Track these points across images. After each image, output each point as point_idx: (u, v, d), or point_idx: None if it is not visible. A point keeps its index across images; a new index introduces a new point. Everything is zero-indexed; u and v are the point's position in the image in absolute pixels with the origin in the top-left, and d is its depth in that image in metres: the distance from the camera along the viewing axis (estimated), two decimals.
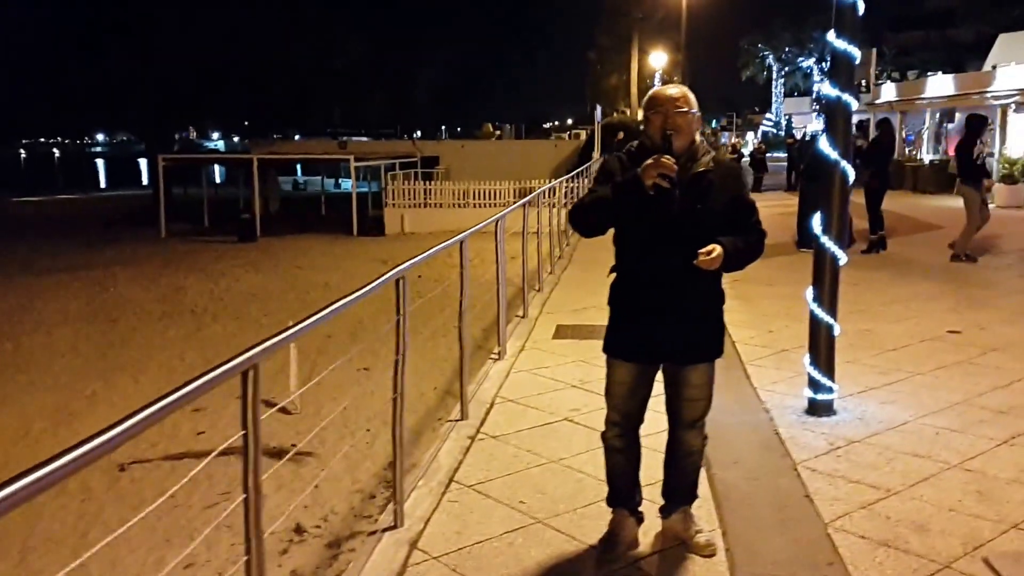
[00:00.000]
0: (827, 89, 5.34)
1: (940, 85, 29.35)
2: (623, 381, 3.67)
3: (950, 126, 29.40)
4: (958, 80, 28.31)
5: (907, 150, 31.03)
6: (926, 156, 29.74)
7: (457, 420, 5.52)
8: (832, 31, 5.27)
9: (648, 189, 3.30)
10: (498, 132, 39.05)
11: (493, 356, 7.12)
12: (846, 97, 5.30)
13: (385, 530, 3.99)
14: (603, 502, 3.89)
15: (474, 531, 3.97)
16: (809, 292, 5.60)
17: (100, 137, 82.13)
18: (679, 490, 3.85)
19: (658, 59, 39.75)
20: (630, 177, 3.36)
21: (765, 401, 5.90)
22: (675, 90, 3.53)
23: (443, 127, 56.55)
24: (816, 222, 5.47)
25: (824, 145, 5.39)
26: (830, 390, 5.59)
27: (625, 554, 3.72)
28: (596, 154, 31.23)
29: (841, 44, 5.24)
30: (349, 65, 35.02)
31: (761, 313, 8.80)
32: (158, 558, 4.98)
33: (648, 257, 3.51)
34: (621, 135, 29.43)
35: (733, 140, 34.65)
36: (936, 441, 5.09)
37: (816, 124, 37.47)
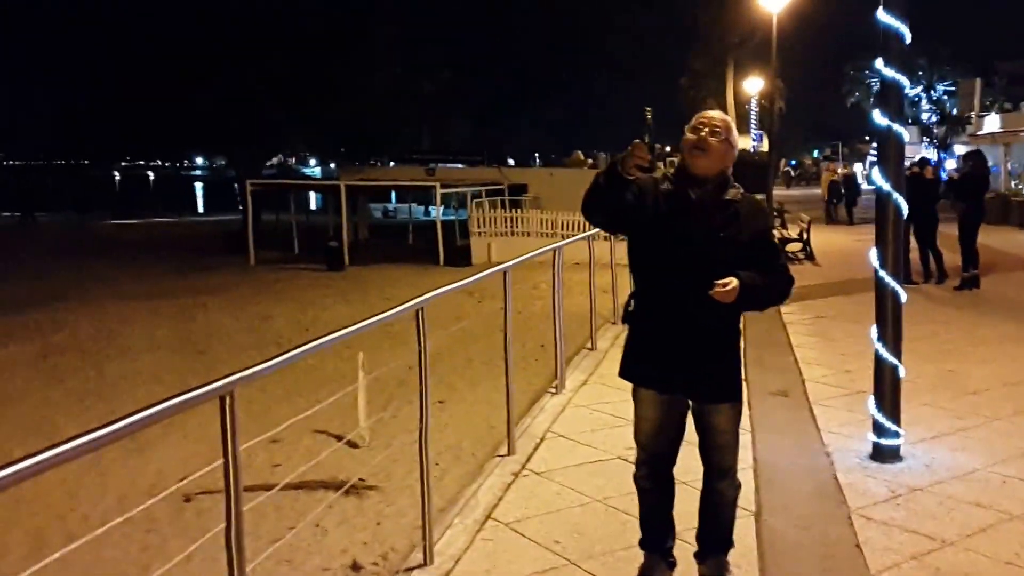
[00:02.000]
0: (877, 118, 5.16)
1: None
2: (648, 417, 3.60)
3: None
4: None
5: (1013, 183, 29.73)
6: None
7: (504, 456, 5.48)
8: (879, 59, 5.10)
9: (624, 175, 3.21)
10: (589, 160, 38.96)
11: (551, 390, 7.05)
12: (896, 127, 5.12)
13: (414, 568, 3.97)
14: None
15: (503, 570, 3.93)
16: (873, 331, 5.40)
17: (199, 160, 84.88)
18: (712, 538, 3.74)
19: (754, 84, 39.03)
20: (608, 164, 3.31)
21: (828, 444, 5.69)
22: (716, 114, 3.50)
23: (535, 154, 56.83)
24: (872, 257, 5.28)
25: (876, 176, 5.21)
26: (896, 435, 5.36)
27: None
28: None
29: (889, 72, 5.07)
30: (438, 89, 35.29)
31: (840, 352, 8.51)
32: None
33: (664, 281, 3.44)
34: None
35: (838, 169, 33.44)
36: (1002, 490, 4.82)
37: (927, 153, 36.24)
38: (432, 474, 6.67)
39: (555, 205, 25.97)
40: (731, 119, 3.54)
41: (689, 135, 3.42)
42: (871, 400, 5.44)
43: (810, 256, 15.97)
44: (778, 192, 44.74)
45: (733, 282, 3.27)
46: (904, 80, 5.13)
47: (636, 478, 3.72)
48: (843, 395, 6.85)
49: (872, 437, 5.41)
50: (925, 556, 4.03)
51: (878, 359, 5.37)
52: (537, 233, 23.66)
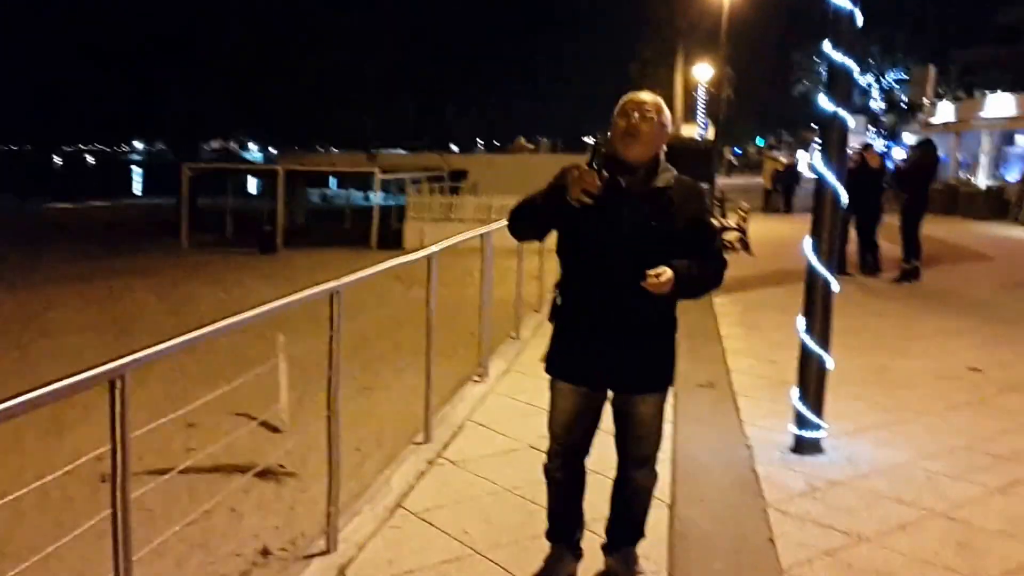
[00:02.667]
0: (822, 103, 5.06)
1: (1000, 105, 28.21)
2: (565, 409, 3.44)
3: (1010, 149, 28.26)
4: (1021, 100, 27.12)
5: (960, 174, 30.07)
6: (982, 181, 28.78)
7: (420, 443, 5.29)
8: (828, 42, 5.00)
9: (572, 202, 3.07)
10: (531, 146, 38.84)
11: (475, 378, 6.86)
12: (842, 113, 5.03)
13: (316, 555, 3.79)
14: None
15: (407, 560, 3.75)
16: (800, 322, 5.31)
17: (138, 145, 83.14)
18: (624, 529, 3.61)
19: (703, 72, 39.01)
20: (555, 187, 3.15)
21: (749, 436, 5.61)
22: (647, 96, 3.30)
23: (477, 140, 56.38)
24: (807, 246, 5.20)
25: (818, 163, 5.12)
26: (818, 427, 5.29)
27: None
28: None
29: (838, 56, 4.97)
30: (381, 75, 34.87)
31: (768, 342, 8.47)
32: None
33: (595, 273, 3.27)
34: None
35: (781, 158, 33.66)
36: (925, 486, 4.77)
37: (877, 144, 36.43)
38: (352, 461, 6.53)
39: (494, 191, 25.82)
40: (661, 99, 3.36)
41: (619, 121, 3.23)
42: (794, 391, 5.36)
43: (746, 246, 16.02)
44: (719, 180, 45.09)
45: (667, 273, 3.10)
46: (853, 65, 5.02)
47: (547, 469, 3.55)
48: (767, 387, 6.79)
49: (794, 429, 5.33)
50: (839, 552, 3.95)
51: (804, 350, 5.29)
52: (472, 219, 23.51)
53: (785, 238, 17.52)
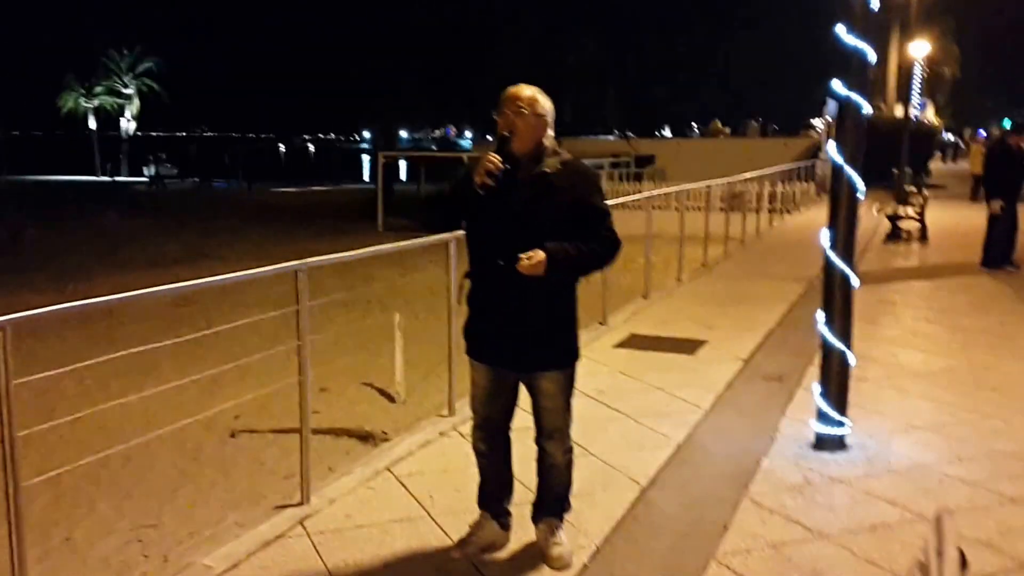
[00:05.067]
0: (837, 89, 4.92)
1: None
2: (478, 383, 3.68)
3: None
4: None
5: None
6: None
7: (444, 416, 5.64)
8: (842, 26, 4.86)
9: (477, 188, 3.30)
10: (727, 130, 37.85)
11: None
12: (857, 98, 4.88)
13: (289, 506, 4.24)
14: None
15: (362, 516, 4.13)
16: (820, 316, 5.20)
17: (367, 135, 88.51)
18: (544, 501, 3.80)
19: (919, 49, 36.37)
20: (462, 175, 3.39)
21: (781, 430, 5.54)
22: (525, 91, 3.48)
23: (692, 124, 55.24)
24: (823, 238, 5.08)
25: (832, 151, 4.99)
26: (840, 424, 5.17)
27: (476, 555, 3.72)
28: (823, 153, 29.59)
29: (852, 40, 4.83)
30: (582, 64, 35.26)
31: (877, 337, 8.15)
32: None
33: (486, 257, 3.48)
34: None
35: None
36: (929, 490, 4.60)
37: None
38: (401, 426, 6.93)
39: (681, 176, 25.53)
40: (537, 89, 3.51)
41: (498, 119, 3.45)
42: (816, 387, 5.26)
43: (923, 236, 15.13)
44: (936, 166, 41.82)
45: (539, 255, 3.27)
46: (868, 49, 4.87)
47: (473, 442, 3.80)
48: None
49: (815, 426, 5.23)
50: (786, 546, 3.93)
51: (825, 345, 5.18)
52: (651, 206, 23.40)
53: (979, 229, 16.46)
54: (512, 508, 3.89)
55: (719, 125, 37.33)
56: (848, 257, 5.05)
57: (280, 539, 3.88)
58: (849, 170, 4.93)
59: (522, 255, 3.27)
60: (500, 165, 3.29)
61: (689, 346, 7.76)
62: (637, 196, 11.77)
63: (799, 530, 4.09)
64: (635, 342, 7.94)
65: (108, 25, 58.55)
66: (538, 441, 3.73)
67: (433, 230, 3.76)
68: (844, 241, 5.03)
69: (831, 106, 32.20)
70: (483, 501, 3.84)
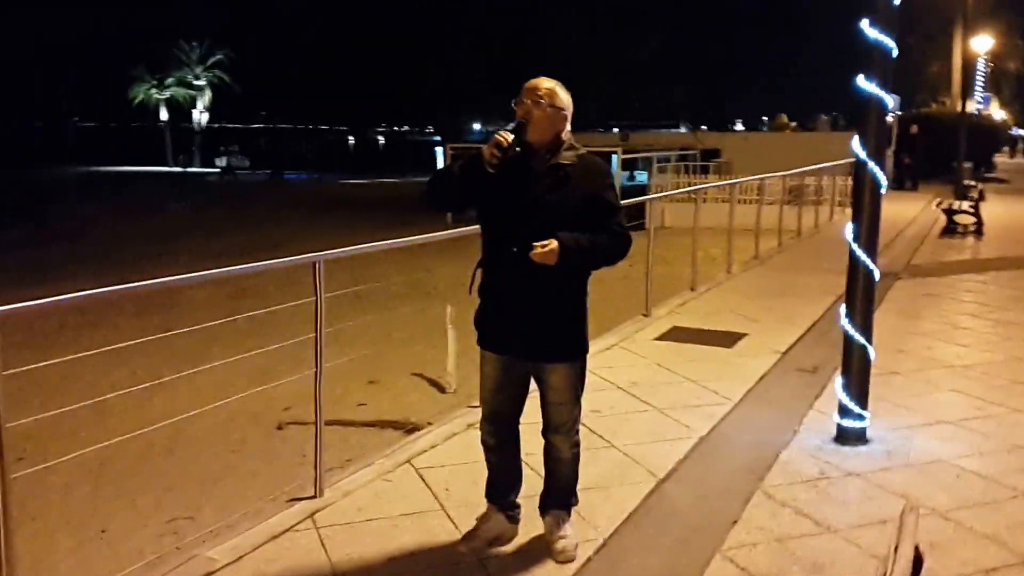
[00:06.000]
0: (861, 83, 4.90)
1: None
2: (488, 375, 3.77)
3: None
4: None
5: None
6: None
7: (475, 407, 5.75)
8: (865, 20, 4.83)
9: (487, 164, 3.39)
10: (793, 124, 37.19)
11: None
12: (880, 93, 4.85)
13: (303, 499, 4.37)
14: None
15: (374, 510, 4.25)
16: (841, 309, 5.20)
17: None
18: (551, 494, 3.89)
19: (982, 44, 35.37)
20: (471, 155, 3.48)
21: (805, 422, 5.55)
22: (545, 83, 3.56)
23: (738, 120, 54.61)
24: (847, 232, 5.07)
25: (856, 147, 4.97)
26: (860, 417, 5.17)
27: (482, 548, 3.84)
28: (889, 149, 28.94)
29: (874, 34, 4.80)
30: (652, 57, 35.14)
31: (914, 332, 8.06)
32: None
33: (498, 244, 3.57)
34: (915, 128, 27.00)
35: None
36: (946, 485, 4.58)
37: None
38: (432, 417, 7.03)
39: (748, 170, 25.28)
40: (557, 83, 3.58)
41: (516, 109, 3.54)
42: (838, 380, 5.26)
43: (978, 230, 14.78)
44: (1002, 160, 40.52)
45: (552, 244, 3.34)
46: (891, 43, 4.85)
47: (481, 435, 3.91)
48: (875, 375, 6.52)
49: (836, 419, 5.23)
50: (792, 539, 3.97)
51: (847, 338, 5.18)
52: (714, 199, 23.21)
53: None
54: (521, 500, 3.99)
55: (785, 119, 36.69)
56: (871, 251, 5.04)
57: (288, 532, 4.01)
58: (872, 165, 4.91)
59: (536, 243, 3.35)
60: (509, 139, 3.37)
61: (728, 339, 7.76)
62: (688, 189, 11.72)
63: (808, 524, 4.12)
64: (676, 334, 7.97)
65: (179, 17, 60.00)
66: (545, 435, 3.82)
67: (430, 207, 3.78)
68: (867, 235, 5.02)
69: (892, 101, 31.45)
70: (490, 494, 3.94)
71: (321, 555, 3.85)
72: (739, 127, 48.82)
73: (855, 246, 5.04)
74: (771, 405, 5.96)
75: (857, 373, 5.16)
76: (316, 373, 4.41)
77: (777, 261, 12.70)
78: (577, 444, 3.84)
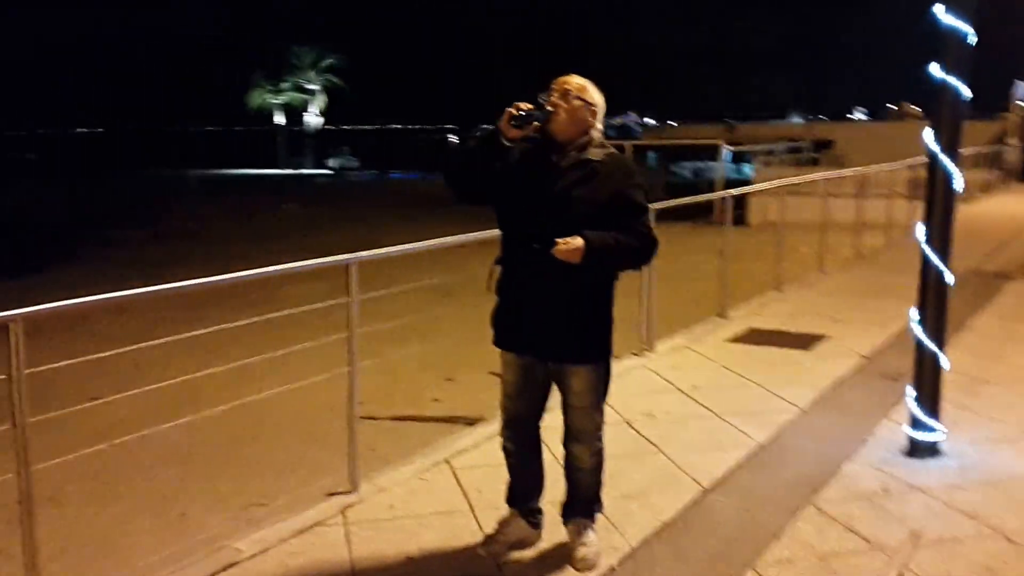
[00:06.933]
0: (933, 72, 4.55)
1: None
2: (508, 379, 3.65)
3: None
4: None
5: None
6: None
7: None
8: (940, 4, 4.48)
9: (504, 136, 3.26)
10: (918, 111, 35.60)
11: (636, 352, 6.98)
12: (954, 82, 4.49)
13: (338, 493, 4.35)
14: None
15: (406, 507, 4.19)
16: (912, 314, 4.85)
17: None
18: (573, 502, 3.74)
19: None
20: (489, 132, 3.33)
21: (877, 432, 5.22)
22: (576, 79, 3.45)
23: (858, 108, 52.43)
24: (919, 233, 4.73)
25: (928, 141, 4.62)
26: (931, 429, 4.81)
27: (502, 553, 3.72)
28: (1014, 140, 27.39)
29: (949, 19, 4.45)
30: (765, 48, 34.38)
31: (1017, 337, 7.54)
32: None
33: (519, 240, 3.43)
34: None
35: None
36: (1017, 505, 4.20)
37: None
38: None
39: (862, 161, 24.28)
40: (588, 82, 3.46)
41: (542, 101, 3.40)
42: (909, 391, 4.91)
43: None
44: None
45: (576, 241, 3.20)
46: (967, 28, 4.49)
47: (502, 441, 3.78)
48: (964, 384, 6.11)
49: (908, 431, 4.89)
50: (836, 557, 3.71)
51: (918, 345, 4.83)
52: (823, 193, 22.37)
53: None
54: (544, 506, 3.86)
55: (909, 107, 35.12)
56: (944, 252, 4.68)
57: (317, 527, 3.98)
58: (945, 159, 4.56)
59: (559, 240, 3.21)
60: (527, 106, 3.24)
61: (807, 341, 7.41)
62: (774, 183, 11.27)
63: (856, 541, 3.84)
64: (751, 336, 7.66)
65: (293, 24, 62.07)
66: (565, 445, 3.67)
67: (453, 184, 3.56)
68: (939, 235, 4.67)
69: (1019, 89, 29.69)
70: (512, 498, 3.82)
71: (344, 551, 3.81)
72: (859, 115, 47.00)
73: (926, 247, 4.70)
74: (842, 413, 5.63)
75: (928, 382, 4.82)
76: (350, 372, 4.38)
77: (881, 260, 12.12)
78: (599, 452, 3.68)
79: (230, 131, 77.15)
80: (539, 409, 3.70)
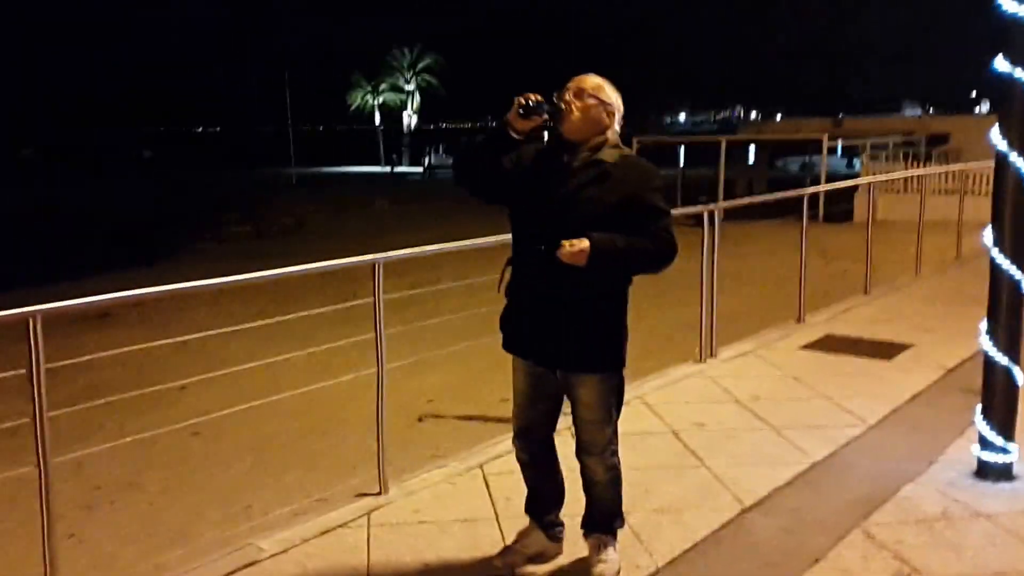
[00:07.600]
0: (999, 65, 4.19)
1: None
2: (518, 388, 3.51)
3: None
4: None
5: None
6: None
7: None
8: None
9: (513, 129, 3.17)
10: None
11: (695, 359, 6.72)
12: (1020, 74, 4.12)
13: (367, 495, 4.29)
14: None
15: (431, 512, 4.10)
16: (982, 326, 4.49)
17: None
18: (592, 516, 3.57)
19: None
20: (498, 125, 3.23)
21: (947, 452, 4.86)
22: (592, 78, 3.29)
23: (984, 100, 49.93)
24: (987, 237, 4.37)
25: (995, 137, 4.26)
26: (1003, 451, 4.44)
27: (519, 565, 3.58)
28: None
29: (1013, 7, 4.08)
30: (878, 38, 33.26)
31: None
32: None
33: (530, 245, 3.28)
34: None
35: None
36: None
37: None
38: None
39: (981, 156, 23.10)
40: (605, 83, 3.29)
41: (556, 100, 3.26)
42: (978, 408, 4.55)
43: None
44: None
45: (582, 243, 3.05)
46: None
47: (515, 452, 3.63)
48: None
49: (976, 451, 4.52)
50: None
51: (987, 359, 4.47)
52: (933, 190, 21.32)
53: None
54: (567, 519, 3.70)
55: None
56: (1018, 258, 4.31)
57: (340, 528, 3.92)
58: (1015, 158, 4.19)
59: (565, 242, 3.07)
60: (533, 96, 3.11)
61: (888, 350, 7.00)
62: (861, 180, 10.77)
63: (902, 568, 3.55)
64: (827, 344, 7.28)
65: (391, 26, 63.42)
66: (578, 456, 3.50)
67: (463, 179, 3.44)
68: (1012, 240, 4.30)
69: None
70: (530, 509, 3.67)
71: (362, 555, 3.74)
72: (984, 108, 44.83)
73: (996, 252, 4.34)
74: (914, 429, 5.27)
75: (1001, 399, 4.44)
76: (378, 373, 4.31)
77: (984, 263, 11.40)
78: (614, 467, 3.49)
79: (336, 131, 79.16)
80: (551, 421, 3.55)
